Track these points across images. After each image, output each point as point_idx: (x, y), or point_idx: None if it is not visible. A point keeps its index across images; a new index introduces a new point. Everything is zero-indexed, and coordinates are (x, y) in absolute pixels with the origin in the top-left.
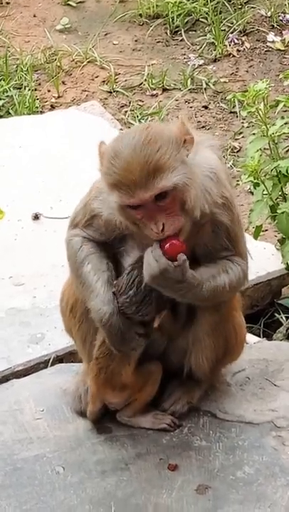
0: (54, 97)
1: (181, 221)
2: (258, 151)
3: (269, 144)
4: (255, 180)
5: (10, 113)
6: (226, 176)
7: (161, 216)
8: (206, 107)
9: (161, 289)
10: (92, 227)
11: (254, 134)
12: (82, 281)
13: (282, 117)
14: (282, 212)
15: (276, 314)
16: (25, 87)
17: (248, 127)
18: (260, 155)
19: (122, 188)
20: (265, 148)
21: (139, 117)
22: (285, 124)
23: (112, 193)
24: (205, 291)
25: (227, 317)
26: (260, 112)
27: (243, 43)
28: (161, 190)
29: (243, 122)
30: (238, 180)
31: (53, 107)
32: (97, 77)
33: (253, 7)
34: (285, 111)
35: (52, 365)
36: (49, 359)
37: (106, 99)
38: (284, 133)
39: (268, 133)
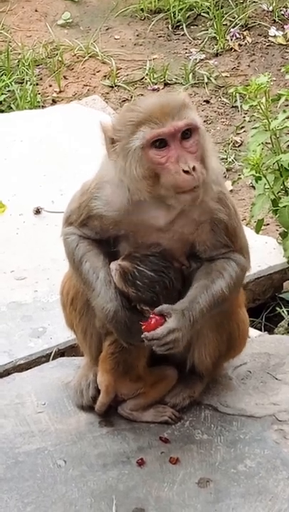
0: (55, 91)
1: (203, 174)
2: (259, 145)
3: (271, 137)
4: (257, 174)
5: (11, 108)
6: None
7: (188, 156)
8: (207, 102)
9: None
10: (87, 226)
11: (256, 128)
12: (82, 279)
13: (284, 111)
14: (284, 206)
15: (278, 308)
16: (26, 81)
17: (249, 121)
18: (262, 149)
19: (153, 120)
20: (266, 142)
21: None
22: (287, 118)
23: (136, 135)
24: (204, 302)
25: (231, 313)
26: (261, 106)
27: (244, 38)
28: (192, 121)
29: (244, 117)
30: (239, 175)
31: (54, 102)
32: (98, 71)
33: (254, 1)
34: (287, 105)
35: (53, 358)
36: (51, 353)
37: (107, 93)
38: (286, 127)
39: (270, 127)
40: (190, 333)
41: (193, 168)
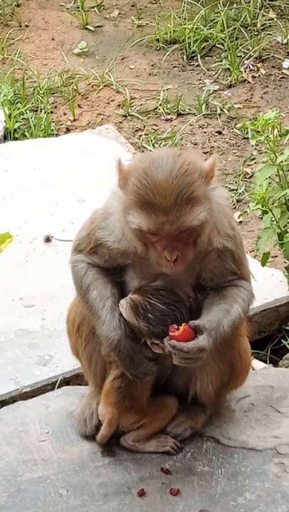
0: (70, 120)
1: (192, 255)
2: (266, 179)
3: (278, 172)
4: (263, 208)
5: (25, 135)
6: (229, 207)
7: (177, 246)
8: (219, 133)
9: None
10: (97, 254)
11: (264, 162)
12: (88, 307)
13: None
14: None
15: (283, 341)
16: (41, 109)
17: (260, 153)
18: (269, 183)
19: (151, 214)
20: (276, 175)
21: (153, 142)
22: None
23: (134, 213)
24: (227, 327)
25: (232, 342)
26: (269, 141)
27: (258, 70)
28: (188, 228)
29: (255, 148)
30: (249, 206)
31: (68, 130)
32: (112, 100)
33: (269, 34)
34: None
35: (59, 387)
36: (56, 381)
37: (121, 123)
38: None
39: (277, 161)
40: (216, 340)
41: (176, 258)
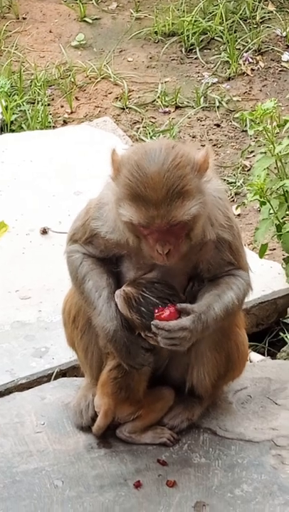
0: (67, 112)
1: (184, 248)
2: (264, 169)
3: (276, 162)
4: (261, 199)
5: (22, 128)
6: (227, 197)
7: (169, 239)
8: (218, 125)
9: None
10: (92, 244)
11: (263, 153)
12: (84, 297)
13: None
14: (288, 232)
15: (281, 333)
16: (38, 101)
17: (259, 146)
18: (268, 174)
19: (141, 207)
20: (274, 167)
21: (151, 134)
22: None
23: (126, 206)
24: (218, 310)
25: (229, 332)
26: (267, 131)
27: (257, 62)
28: (179, 222)
29: (254, 141)
30: (247, 199)
31: (65, 123)
32: (110, 93)
33: (268, 26)
34: None
35: (55, 379)
36: (52, 373)
37: (118, 115)
38: None
39: (275, 152)
40: (198, 337)
41: (168, 251)
